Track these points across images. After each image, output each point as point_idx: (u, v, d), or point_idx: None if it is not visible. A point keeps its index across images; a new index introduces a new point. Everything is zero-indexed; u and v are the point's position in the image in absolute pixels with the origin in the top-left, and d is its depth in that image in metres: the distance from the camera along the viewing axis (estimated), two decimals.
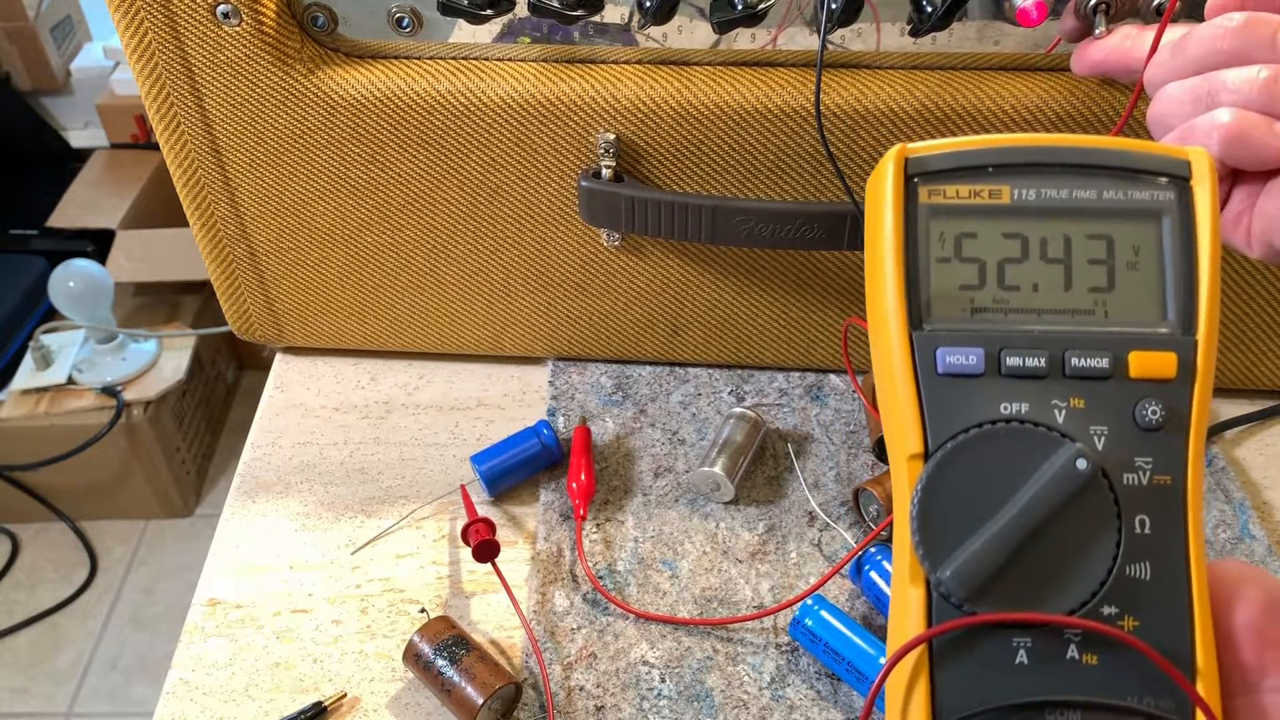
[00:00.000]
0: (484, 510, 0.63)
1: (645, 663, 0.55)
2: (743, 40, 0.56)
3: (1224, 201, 0.40)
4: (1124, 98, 0.55)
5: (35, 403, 1.54)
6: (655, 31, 0.56)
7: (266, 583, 0.59)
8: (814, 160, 0.58)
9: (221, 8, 0.55)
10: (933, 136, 0.56)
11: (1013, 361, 0.29)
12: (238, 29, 0.55)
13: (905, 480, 0.29)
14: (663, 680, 0.54)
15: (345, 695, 0.54)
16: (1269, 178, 0.39)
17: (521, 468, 0.63)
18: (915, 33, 0.54)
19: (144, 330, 1.64)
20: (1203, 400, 0.29)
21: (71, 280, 1.47)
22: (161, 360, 1.60)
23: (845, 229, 0.58)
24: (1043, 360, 0.29)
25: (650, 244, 0.64)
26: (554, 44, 0.57)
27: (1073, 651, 0.28)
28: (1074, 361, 0.29)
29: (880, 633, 0.54)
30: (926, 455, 0.29)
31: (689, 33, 0.56)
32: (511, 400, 0.70)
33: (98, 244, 1.74)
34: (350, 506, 0.63)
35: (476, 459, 0.62)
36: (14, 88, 1.91)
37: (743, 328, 0.67)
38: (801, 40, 0.56)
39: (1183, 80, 0.40)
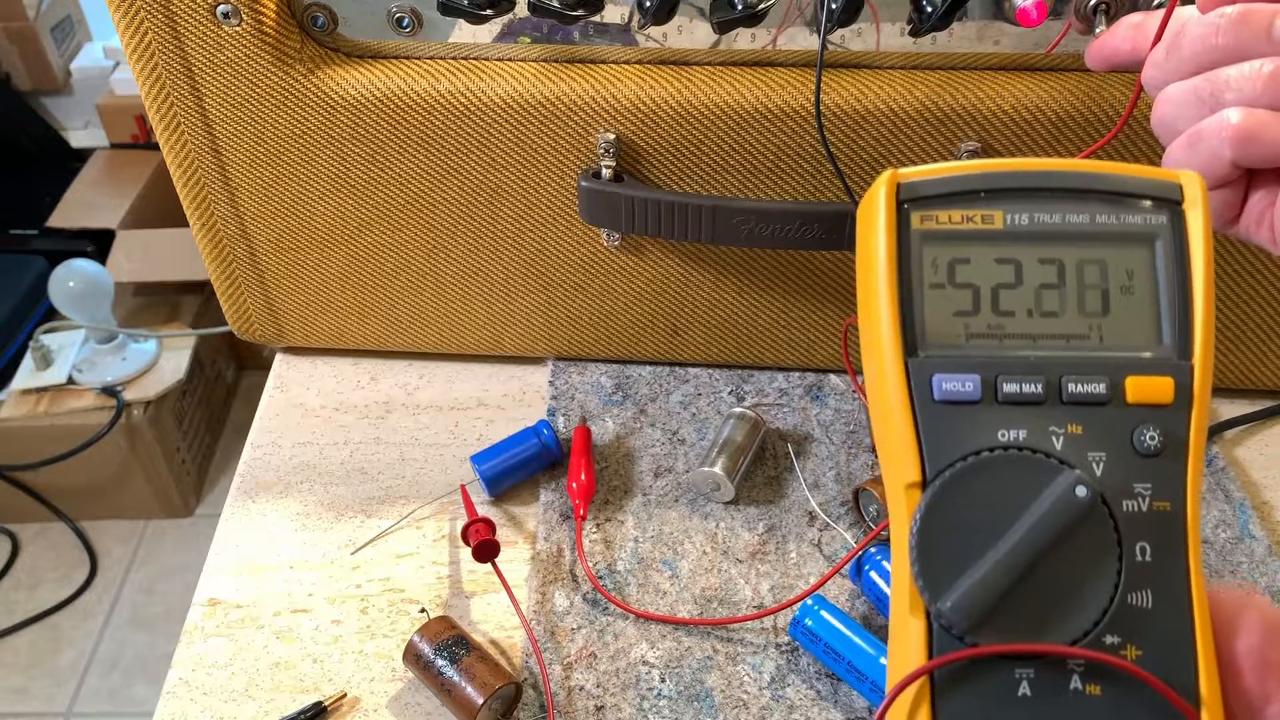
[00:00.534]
0: (484, 510, 0.63)
1: (645, 663, 0.55)
2: (743, 40, 0.56)
3: (1243, 202, 0.39)
4: (1124, 97, 0.55)
5: (35, 403, 1.54)
6: (655, 31, 0.56)
7: (266, 583, 0.59)
8: (814, 160, 0.58)
9: (221, 8, 0.55)
10: (933, 136, 0.56)
11: (1009, 388, 0.29)
12: (238, 29, 0.55)
13: (903, 509, 0.29)
14: (663, 680, 0.54)
15: (345, 695, 0.54)
16: None
17: (521, 468, 0.63)
18: (915, 33, 0.54)
19: (144, 330, 1.64)
20: (1200, 424, 0.29)
21: (71, 280, 1.47)
22: (161, 360, 1.60)
23: (845, 229, 0.58)
24: (1039, 386, 0.29)
25: (650, 244, 0.64)
26: (554, 44, 0.57)
27: (1076, 682, 0.27)
28: (1071, 387, 0.29)
29: (881, 633, 0.54)
30: (924, 484, 0.29)
31: (689, 33, 0.56)
32: (511, 400, 0.70)
33: (98, 244, 1.74)
34: (350, 506, 0.63)
35: (476, 459, 0.62)
36: (14, 88, 1.91)
37: (743, 328, 0.67)
38: (801, 40, 0.56)
39: (1183, 81, 0.39)
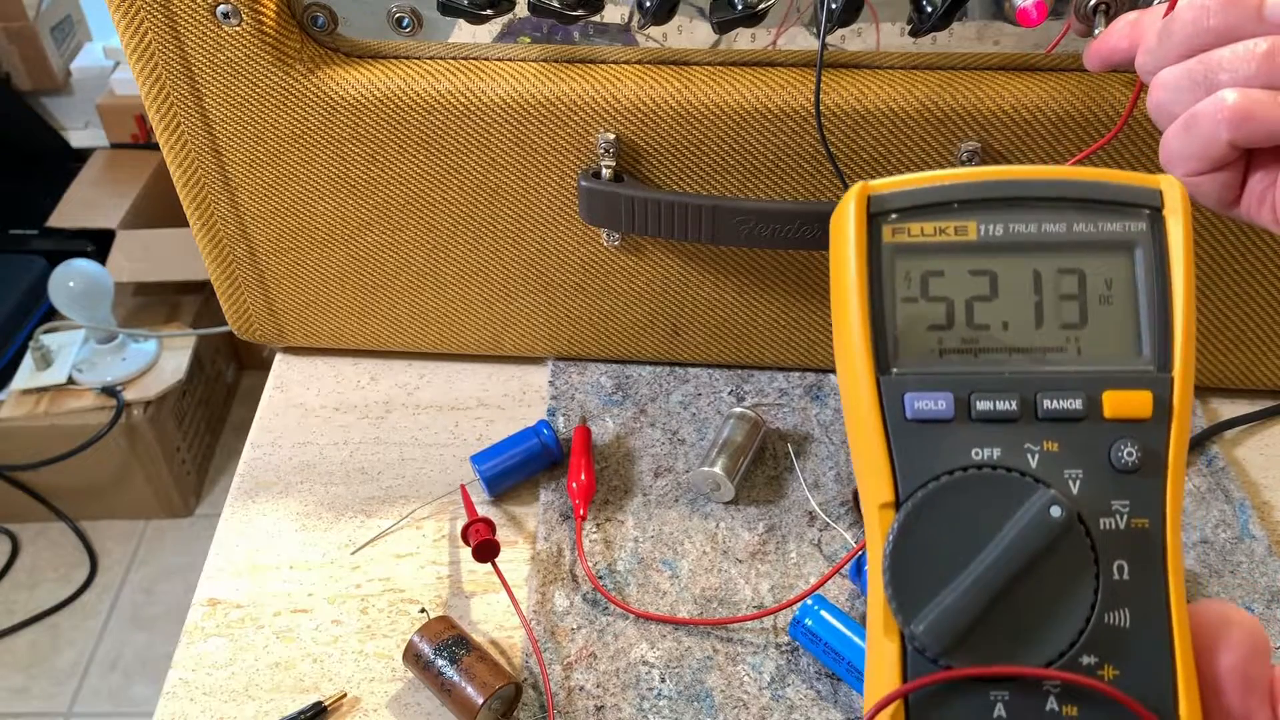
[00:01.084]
0: (484, 510, 0.63)
1: (645, 663, 0.55)
2: (743, 40, 0.56)
3: (1242, 184, 0.39)
4: (1124, 97, 0.55)
5: (35, 403, 1.54)
6: (655, 31, 0.56)
7: (266, 583, 0.59)
8: (814, 160, 0.58)
9: (221, 8, 0.55)
10: (933, 136, 0.56)
11: (983, 405, 0.28)
12: (238, 29, 0.55)
13: (877, 529, 0.28)
14: (663, 680, 0.54)
15: (345, 695, 0.54)
16: None
17: (521, 468, 0.63)
18: (915, 33, 0.54)
19: (144, 330, 1.64)
20: (1180, 439, 0.28)
21: (71, 280, 1.47)
22: (161, 360, 1.60)
23: None
24: (1014, 403, 0.28)
25: (650, 244, 0.64)
26: (554, 44, 0.57)
27: (1052, 703, 0.27)
28: (1046, 403, 0.28)
29: None
30: (898, 504, 0.28)
31: (689, 33, 0.56)
32: (511, 400, 0.70)
33: (98, 244, 1.74)
34: (350, 506, 0.63)
35: (476, 459, 0.62)
36: (14, 88, 1.91)
37: (743, 328, 0.67)
38: (801, 40, 0.56)
39: (1176, 65, 0.39)
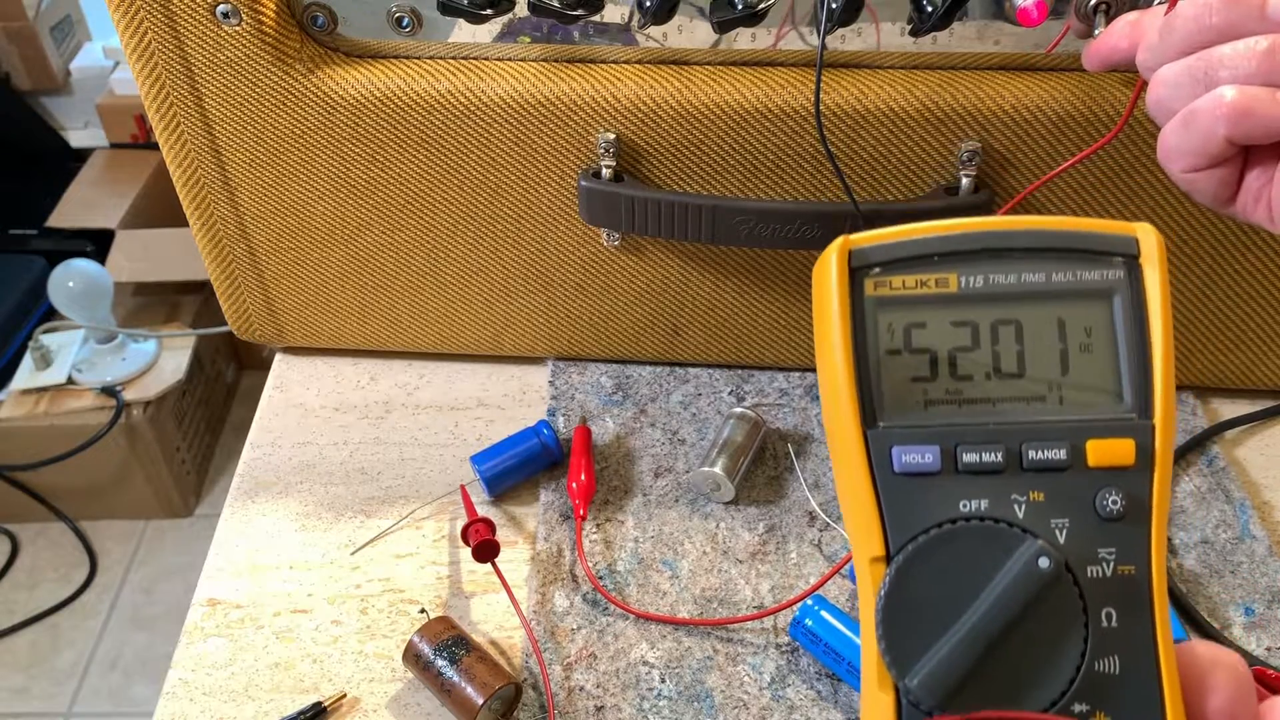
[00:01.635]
0: (484, 510, 0.63)
1: (645, 663, 0.55)
2: (743, 40, 0.56)
3: (1238, 182, 0.39)
4: (1124, 97, 0.55)
5: (35, 403, 1.54)
6: (655, 31, 0.56)
7: (266, 583, 0.59)
8: (814, 160, 0.58)
9: (221, 8, 0.55)
10: (933, 136, 0.56)
11: (969, 458, 0.29)
12: (238, 29, 0.55)
13: (869, 583, 0.29)
14: (663, 680, 0.54)
15: (345, 695, 0.54)
16: None
17: (521, 468, 0.63)
18: (915, 33, 0.54)
19: (144, 330, 1.64)
20: (1163, 484, 0.29)
21: (71, 280, 1.47)
22: (161, 360, 1.60)
23: (845, 229, 0.58)
24: (999, 455, 0.29)
25: (650, 244, 0.64)
26: (554, 44, 0.57)
27: None
28: (1031, 454, 0.29)
29: None
30: (888, 558, 0.28)
31: (689, 33, 0.56)
32: (511, 400, 0.70)
33: (98, 244, 1.74)
34: (350, 506, 0.63)
35: (476, 459, 0.62)
36: (14, 88, 1.91)
37: (743, 328, 0.67)
38: (801, 40, 0.56)
39: (1176, 61, 0.39)
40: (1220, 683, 0.27)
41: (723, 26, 0.54)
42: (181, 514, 1.73)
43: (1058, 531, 0.28)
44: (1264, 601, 0.57)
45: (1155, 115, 0.40)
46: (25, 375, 1.56)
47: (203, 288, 1.70)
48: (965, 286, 0.30)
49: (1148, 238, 0.29)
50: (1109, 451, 0.29)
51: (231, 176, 0.62)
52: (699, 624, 0.56)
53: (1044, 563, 0.27)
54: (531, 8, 0.53)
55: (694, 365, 0.71)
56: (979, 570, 0.28)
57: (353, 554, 0.61)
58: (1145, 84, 0.41)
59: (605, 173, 0.59)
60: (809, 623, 0.53)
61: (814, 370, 0.70)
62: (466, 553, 0.60)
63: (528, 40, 0.57)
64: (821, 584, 0.57)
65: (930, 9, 0.52)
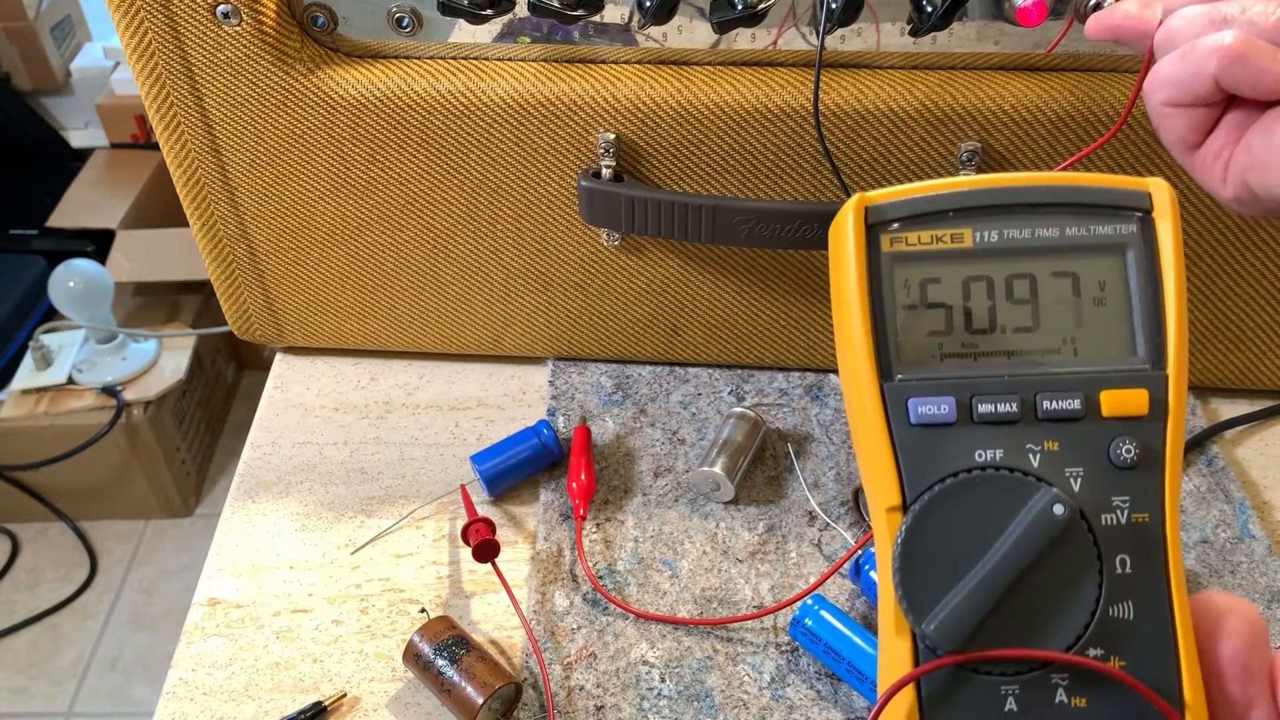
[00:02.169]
0: (484, 510, 0.63)
1: (645, 663, 0.55)
2: (743, 40, 0.56)
3: (1207, 132, 0.39)
4: (1124, 97, 0.55)
5: (35, 403, 1.54)
6: (655, 31, 0.56)
7: (266, 583, 0.59)
8: (814, 160, 0.58)
9: (221, 8, 0.55)
10: (933, 136, 0.56)
11: (984, 408, 0.29)
12: (238, 29, 0.55)
13: (886, 532, 0.29)
14: (663, 680, 0.54)
15: (345, 695, 0.54)
16: (1263, 109, 0.38)
17: (521, 468, 0.63)
18: (915, 33, 0.54)
19: (144, 330, 1.64)
20: (1176, 434, 0.29)
21: (71, 280, 1.47)
22: (161, 360, 1.60)
23: None
24: (1014, 405, 0.29)
25: (650, 244, 0.64)
26: (554, 44, 0.57)
27: (1061, 695, 0.28)
28: (1045, 404, 0.29)
29: None
30: (905, 507, 0.29)
31: (689, 33, 0.56)
32: (511, 400, 0.70)
33: (98, 244, 1.74)
34: (350, 506, 0.63)
35: (476, 459, 0.62)
36: (14, 88, 1.91)
37: (743, 328, 0.67)
38: (801, 40, 0.56)
39: (1199, 5, 0.39)
40: (1233, 630, 0.28)
41: (723, 26, 0.54)
42: (181, 514, 1.73)
43: (1072, 480, 0.29)
44: (1263, 601, 0.57)
45: (1159, 48, 0.40)
46: (25, 375, 1.56)
47: (203, 288, 1.70)
48: (980, 241, 0.30)
49: (1160, 192, 0.30)
50: (1123, 401, 0.29)
51: (231, 176, 0.62)
52: (699, 624, 0.56)
53: (1059, 510, 0.28)
54: (531, 8, 0.53)
55: (694, 365, 0.71)
56: (994, 518, 0.28)
57: (353, 554, 0.61)
58: (1144, 86, 0.41)
59: (605, 173, 0.59)
60: (809, 622, 0.53)
61: (814, 370, 0.70)
62: (466, 553, 0.60)
63: (528, 40, 0.57)
64: (821, 583, 0.57)
65: (930, 9, 0.52)
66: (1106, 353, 0.30)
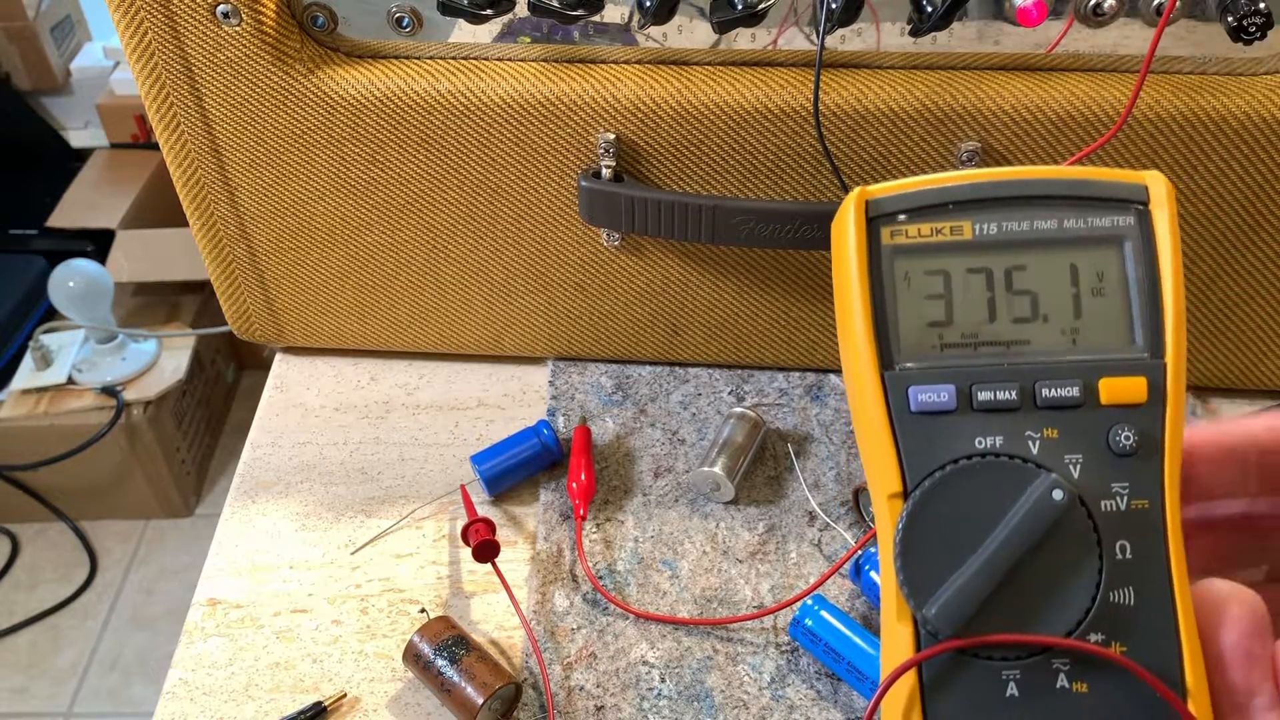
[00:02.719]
0: (484, 510, 0.63)
1: (645, 663, 0.55)
2: (743, 40, 0.56)
3: None
4: (1124, 97, 0.55)
5: (35, 403, 1.54)
6: (655, 31, 0.56)
7: (266, 583, 0.59)
8: (814, 160, 0.58)
9: (221, 8, 0.55)
10: (933, 136, 0.56)
11: (984, 396, 0.29)
12: (238, 29, 0.55)
13: (887, 519, 0.29)
14: (663, 680, 0.54)
15: (345, 695, 0.54)
16: None
17: (521, 468, 0.63)
18: (915, 33, 0.54)
19: (144, 330, 1.64)
20: (1175, 421, 0.29)
21: (71, 280, 1.47)
22: (161, 360, 1.60)
23: None
24: (1014, 393, 0.29)
25: (650, 244, 0.64)
26: (554, 44, 0.57)
27: (1062, 680, 0.28)
28: (1045, 392, 0.29)
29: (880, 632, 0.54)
30: (905, 494, 0.29)
31: (689, 33, 0.56)
32: (511, 400, 0.70)
33: (98, 244, 1.74)
34: (350, 506, 0.63)
35: (476, 459, 0.62)
36: (14, 88, 1.91)
37: (743, 328, 0.67)
38: (801, 40, 0.56)
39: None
40: (1235, 617, 0.28)
41: (723, 26, 0.54)
42: (181, 514, 1.73)
43: (1071, 467, 0.29)
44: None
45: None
46: (25, 375, 1.56)
47: (203, 288, 1.70)
48: (979, 234, 0.30)
49: (1157, 185, 0.30)
50: (1121, 389, 0.29)
51: (231, 176, 0.62)
52: (699, 624, 0.56)
53: (1058, 495, 0.28)
54: (531, 8, 0.53)
55: (694, 365, 0.71)
56: (994, 504, 0.28)
57: (353, 554, 0.61)
58: (1144, 85, 0.41)
59: (605, 173, 0.59)
60: (809, 622, 0.53)
61: (814, 370, 0.70)
62: (466, 553, 0.60)
63: (528, 40, 0.57)
64: (821, 583, 0.57)
65: (930, 9, 0.52)
66: (1105, 342, 0.30)
